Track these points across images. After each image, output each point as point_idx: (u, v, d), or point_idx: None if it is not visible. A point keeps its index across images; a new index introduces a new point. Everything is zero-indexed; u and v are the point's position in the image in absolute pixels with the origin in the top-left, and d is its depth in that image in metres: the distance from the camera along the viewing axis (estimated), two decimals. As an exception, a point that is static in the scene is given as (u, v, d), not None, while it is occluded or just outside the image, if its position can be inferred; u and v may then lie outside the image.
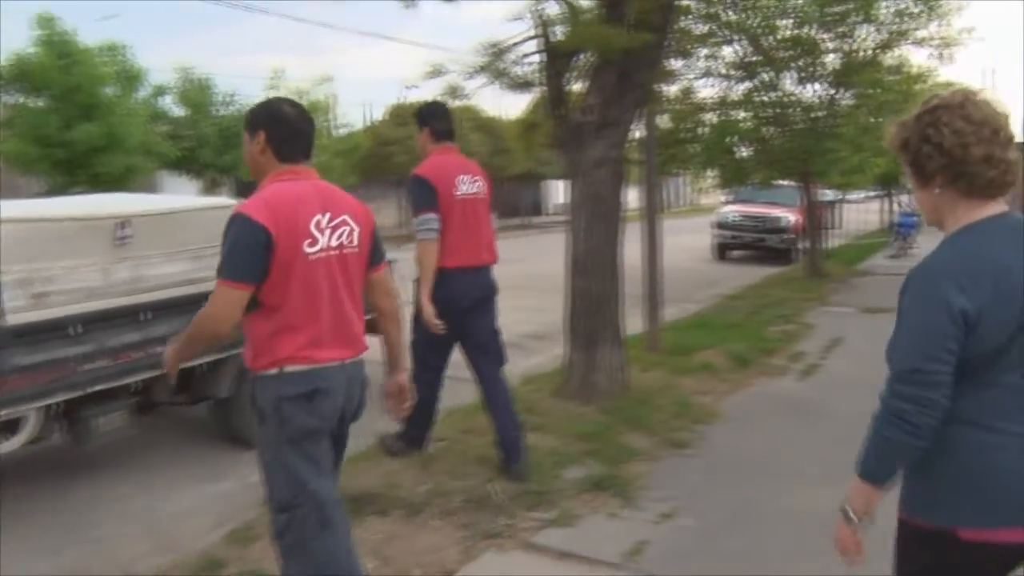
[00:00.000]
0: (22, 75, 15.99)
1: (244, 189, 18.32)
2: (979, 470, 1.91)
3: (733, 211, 19.28)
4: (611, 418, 5.73)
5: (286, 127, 2.90)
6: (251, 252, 2.71)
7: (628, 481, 4.73)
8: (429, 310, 4.52)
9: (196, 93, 20.56)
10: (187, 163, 20.59)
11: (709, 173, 16.13)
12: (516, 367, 8.32)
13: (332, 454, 3.05)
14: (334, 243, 2.86)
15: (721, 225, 19.50)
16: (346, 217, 2.92)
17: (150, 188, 20.36)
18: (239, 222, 2.74)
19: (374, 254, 3.07)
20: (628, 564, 3.80)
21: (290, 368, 2.85)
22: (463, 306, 4.71)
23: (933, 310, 1.87)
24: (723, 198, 21.22)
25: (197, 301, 5.30)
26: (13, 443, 4.56)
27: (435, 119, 4.73)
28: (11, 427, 4.53)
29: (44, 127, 15.90)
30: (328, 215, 2.86)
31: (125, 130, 16.60)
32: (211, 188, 21.47)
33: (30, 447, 4.83)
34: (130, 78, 17.92)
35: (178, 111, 20.89)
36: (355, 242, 2.94)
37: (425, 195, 4.50)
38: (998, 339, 1.87)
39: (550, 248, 22.76)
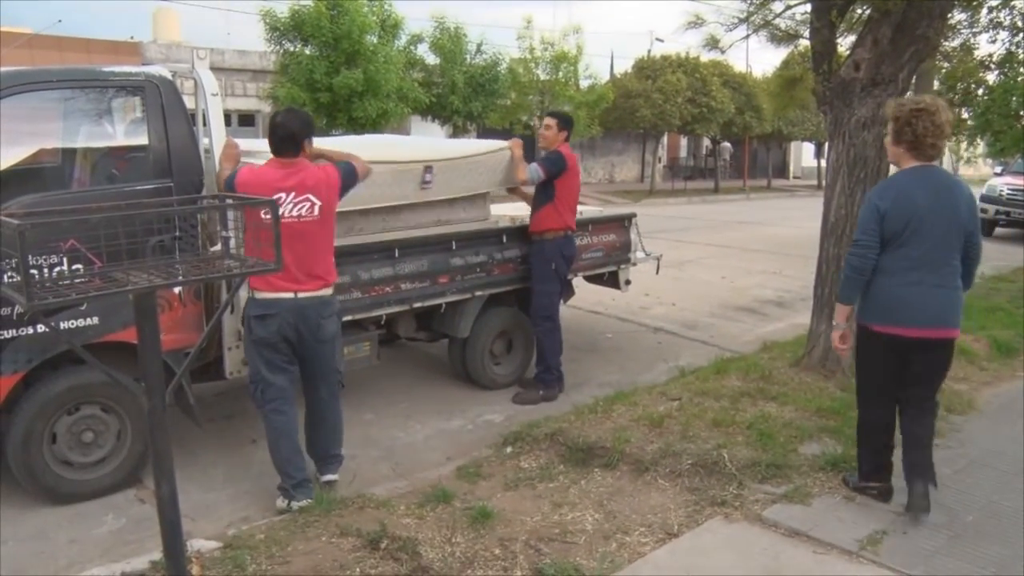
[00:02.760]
0: (297, 25, 17.24)
1: (486, 136, 18.86)
2: (883, 295, 3.79)
3: (1005, 184, 17.46)
4: (853, 395, 5.36)
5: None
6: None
7: (869, 465, 4.41)
8: None
9: (449, 42, 21.22)
10: (437, 109, 21.39)
11: (982, 140, 14.56)
12: (753, 332, 8.08)
13: (294, 361, 4.23)
14: (294, 213, 4.02)
15: (989, 199, 17.69)
16: (309, 195, 4.07)
17: (402, 131, 21.45)
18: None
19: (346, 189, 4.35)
20: (863, 553, 3.56)
21: (257, 295, 4.09)
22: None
23: (867, 209, 3.80)
24: (996, 169, 19.19)
25: (446, 242, 5.59)
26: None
27: (571, 127, 6.12)
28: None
29: (313, 73, 17.08)
30: (293, 193, 4.03)
31: (382, 76, 17.47)
32: (457, 133, 22.21)
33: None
34: (390, 27, 18.81)
35: (431, 59, 21.67)
36: (315, 213, 4.09)
37: (559, 165, 5.85)
38: (896, 227, 3.71)
39: (795, 212, 21.95)
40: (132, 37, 22.78)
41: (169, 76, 4.52)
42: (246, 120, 23.14)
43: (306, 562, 3.45)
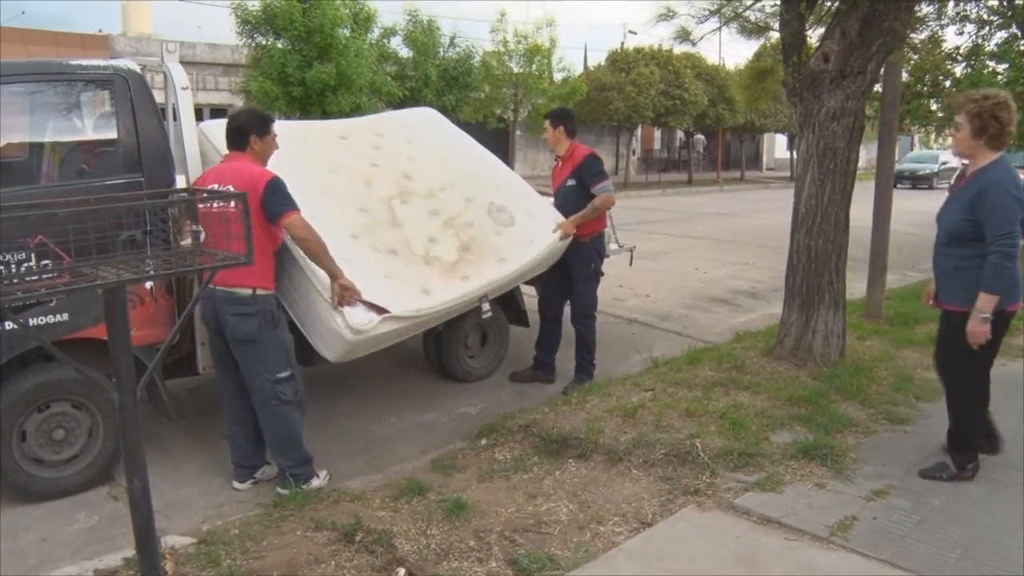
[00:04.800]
0: (269, 19, 17.11)
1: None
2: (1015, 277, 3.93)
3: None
4: (825, 384, 5.45)
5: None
6: None
7: (839, 452, 4.47)
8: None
9: (422, 35, 21.15)
10: (410, 103, 21.28)
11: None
12: (726, 323, 8.15)
13: (226, 351, 4.26)
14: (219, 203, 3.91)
15: (957, 189, 17.92)
16: (229, 187, 3.96)
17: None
18: None
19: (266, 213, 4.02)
20: (833, 539, 3.61)
21: None
22: None
23: (1011, 200, 3.84)
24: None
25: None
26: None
27: (569, 120, 5.97)
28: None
29: (285, 67, 16.97)
30: (218, 184, 4.02)
31: (355, 70, 17.38)
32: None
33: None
34: (362, 20, 18.71)
35: (404, 52, 21.59)
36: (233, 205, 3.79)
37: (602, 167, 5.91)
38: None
39: (768, 203, 22.12)
40: (101, 30, 22.54)
41: (138, 69, 4.49)
42: (218, 114, 22.82)
43: (281, 556, 3.44)
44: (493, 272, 5.23)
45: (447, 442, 4.98)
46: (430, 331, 5.91)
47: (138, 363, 3.93)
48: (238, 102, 21.30)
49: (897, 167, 25.53)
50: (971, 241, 3.93)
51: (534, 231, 5.59)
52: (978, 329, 3.89)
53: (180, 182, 4.51)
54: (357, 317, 4.35)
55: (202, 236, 3.57)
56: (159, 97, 4.62)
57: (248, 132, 4.16)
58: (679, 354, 6.50)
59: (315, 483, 4.32)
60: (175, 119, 4.63)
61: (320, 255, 4.15)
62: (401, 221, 5.08)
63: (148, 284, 4.40)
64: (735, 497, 3.99)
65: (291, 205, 4.06)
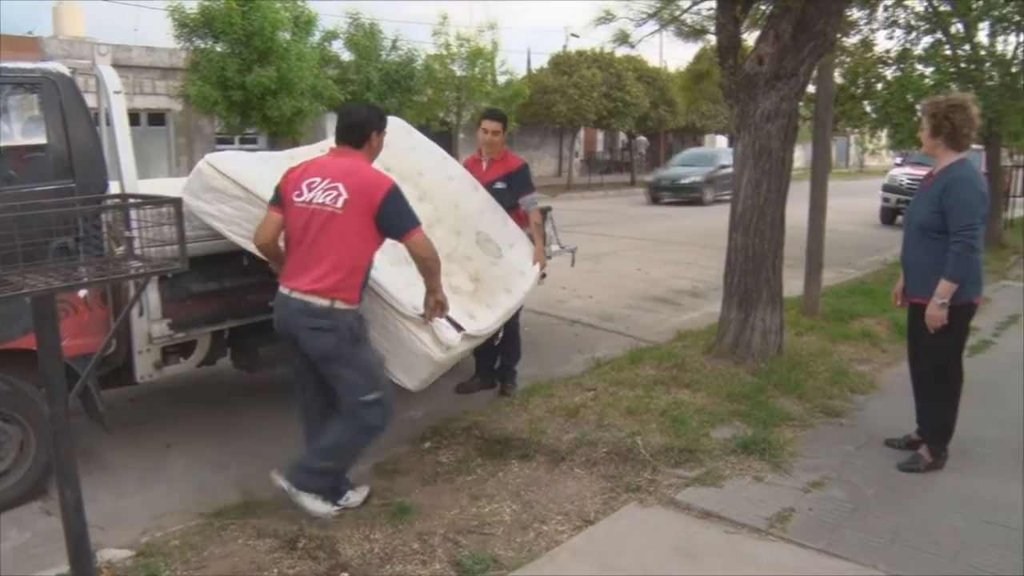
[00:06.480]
0: (207, 21, 16.85)
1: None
2: (979, 270, 4.22)
3: (905, 174, 18.17)
4: (763, 380, 5.57)
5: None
6: (275, 187, 3.85)
7: (777, 446, 4.58)
8: None
9: (363, 38, 21.04)
10: (352, 107, 21.23)
11: (883, 132, 15.17)
12: (668, 322, 8.26)
13: (304, 361, 3.86)
14: (317, 200, 3.64)
15: (890, 188, 18.40)
16: (339, 185, 3.63)
17: (317, 130, 21.18)
18: None
19: (385, 224, 3.69)
20: (772, 531, 3.69)
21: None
22: None
23: (975, 196, 4.11)
24: (896, 160, 19.98)
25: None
26: (186, 365, 4.90)
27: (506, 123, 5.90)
28: (185, 350, 4.87)
29: (225, 70, 16.73)
30: (328, 179, 3.67)
31: (296, 74, 17.22)
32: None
33: (200, 370, 5.18)
34: (303, 23, 18.55)
35: (346, 56, 21.45)
36: (338, 205, 3.61)
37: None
38: (985, 210, 4.17)
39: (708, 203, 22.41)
40: (31, 32, 21.95)
41: (68, 72, 4.38)
42: (156, 119, 22.51)
43: (222, 565, 3.40)
44: (506, 301, 5.11)
45: (390, 446, 4.94)
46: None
47: (73, 373, 3.88)
48: (176, 106, 20.96)
49: (658, 174, 24.94)
50: (941, 233, 4.15)
51: (520, 262, 5.48)
52: (936, 313, 4.15)
53: (114, 188, 4.43)
54: (447, 333, 4.20)
55: (135, 242, 3.50)
56: (91, 101, 4.53)
57: (370, 128, 3.84)
58: (621, 354, 6.58)
59: (354, 498, 3.98)
60: (108, 124, 4.54)
61: (437, 272, 3.89)
62: None
63: (82, 292, 4.30)
64: (676, 493, 4.05)
65: (416, 219, 3.73)
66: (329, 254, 3.63)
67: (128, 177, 4.47)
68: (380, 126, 3.91)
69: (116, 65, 4.61)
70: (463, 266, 5.18)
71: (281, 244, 3.86)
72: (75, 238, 3.94)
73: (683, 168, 24.44)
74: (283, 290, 3.74)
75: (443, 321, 4.18)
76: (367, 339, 3.87)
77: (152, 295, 4.49)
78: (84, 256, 3.79)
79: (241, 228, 4.30)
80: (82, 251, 3.91)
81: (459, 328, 4.32)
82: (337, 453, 3.87)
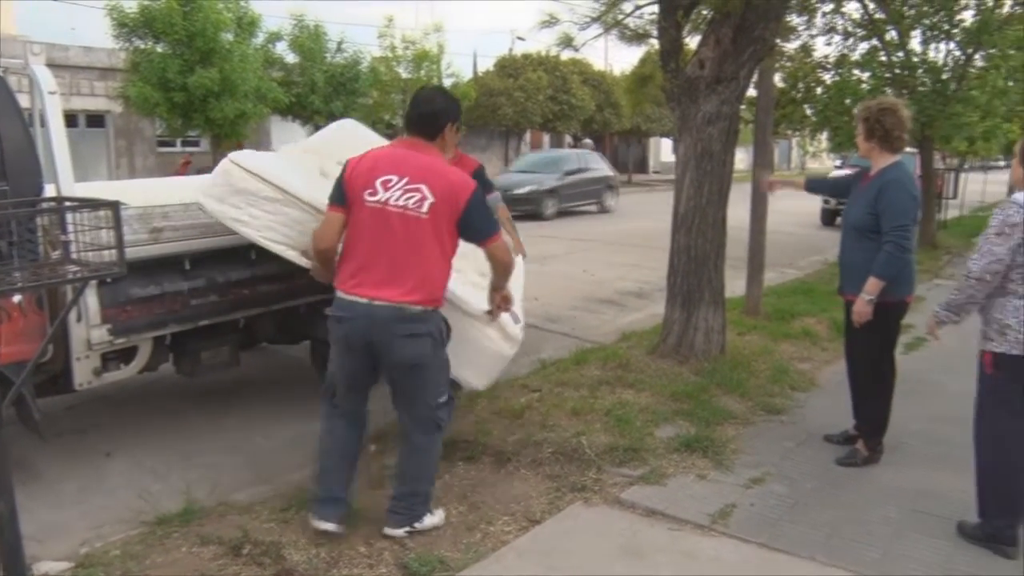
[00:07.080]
0: (147, 21, 16.56)
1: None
2: (911, 270, 4.38)
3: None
4: (706, 379, 5.67)
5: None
6: (337, 184, 3.50)
7: (720, 443, 4.67)
8: None
9: (308, 40, 20.88)
10: (297, 109, 21.02)
11: (823, 136, 15.54)
12: (613, 323, 8.34)
13: (365, 371, 3.58)
14: (400, 202, 3.36)
15: (830, 190, 18.79)
16: (422, 186, 3.37)
17: (261, 133, 20.95)
18: None
19: (469, 229, 3.50)
20: (715, 527, 3.77)
21: (337, 293, 3.49)
22: None
23: (907, 196, 4.25)
24: (836, 163, 20.43)
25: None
26: (126, 371, 4.80)
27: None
28: (126, 356, 4.78)
29: (166, 71, 16.45)
30: (407, 179, 3.39)
31: (240, 76, 17.03)
32: (319, 133, 21.95)
33: (141, 376, 5.08)
34: (246, 24, 18.34)
35: (291, 58, 21.26)
36: (423, 210, 3.36)
37: None
38: (917, 211, 4.41)
39: (654, 205, 22.66)
40: (-39, 31, 21.31)
41: (-1, 72, 4.29)
42: (95, 121, 22.04)
43: (165, 574, 3.35)
44: (516, 293, 4.94)
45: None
46: (316, 340, 5.78)
47: (7, 381, 3.79)
48: (116, 108, 20.55)
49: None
50: (876, 234, 4.27)
51: None
52: (862, 310, 4.30)
53: (49, 191, 4.33)
54: (513, 327, 4.18)
55: (72, 247, 3.42)
56: (25, 102, 4.42)
57: (445, 119, 3.58)
58: (566, 355, 6.63)
59: (429, 521, 3.76)
60: (43, 125, 4.43)
61: (507, 276, 3.82)
62: None
63: (16, 298, 4.19)
64: (621, 491, 4.10)
65: (497, 224, 3.63)
66: (419, 263, 3.41)
67: (64, 179, 4.37)
68: (455, 116, 3.66)
69: (52, 65, 4.51)
70: (467, 260, 5.18)
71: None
72: (8, 242, 3.85)
73: (520, 175, 20.14)
74: (359, 299, 3.39)
75: (507, 316, 4.20)
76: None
77: (91, 300, 4.40)
78: (18, 261, 3.70)
79: (277, 234, 4.09)
80: (16, 255, 3.81)
81: (517, 319, 4.34)
82: (429, 466, 3.77)
